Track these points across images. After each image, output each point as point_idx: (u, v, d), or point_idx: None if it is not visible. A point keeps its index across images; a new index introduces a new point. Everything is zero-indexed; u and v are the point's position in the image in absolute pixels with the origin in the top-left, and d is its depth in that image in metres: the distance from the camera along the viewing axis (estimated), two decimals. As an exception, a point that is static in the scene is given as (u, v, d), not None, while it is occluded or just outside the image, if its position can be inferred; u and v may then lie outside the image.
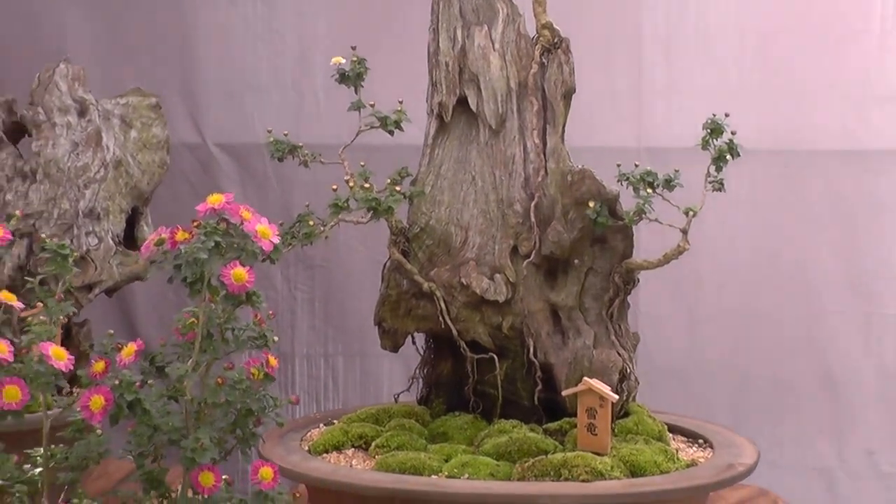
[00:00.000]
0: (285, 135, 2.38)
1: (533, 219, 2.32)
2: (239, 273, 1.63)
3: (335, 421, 2.49)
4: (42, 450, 1.71)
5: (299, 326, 3.34)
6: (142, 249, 1.63)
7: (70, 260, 1.68)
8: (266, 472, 1.64)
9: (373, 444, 2.32)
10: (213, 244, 1.58)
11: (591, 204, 2.25)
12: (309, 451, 2.31)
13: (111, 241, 2.65)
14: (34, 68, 2.78)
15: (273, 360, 1.66)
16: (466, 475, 2.16)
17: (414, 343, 2.47)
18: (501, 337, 2.35)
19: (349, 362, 3.35)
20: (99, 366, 1.59)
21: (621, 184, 2.31)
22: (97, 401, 1.56)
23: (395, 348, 2.44)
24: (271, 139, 2.38)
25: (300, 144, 2.39)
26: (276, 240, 1.61)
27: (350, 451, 2.32)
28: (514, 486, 2.11)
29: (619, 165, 2.31)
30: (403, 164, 2.39)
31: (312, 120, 3.23)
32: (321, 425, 2.48)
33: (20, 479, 1.70)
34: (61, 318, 1.70)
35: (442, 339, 2.43)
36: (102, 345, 1.68)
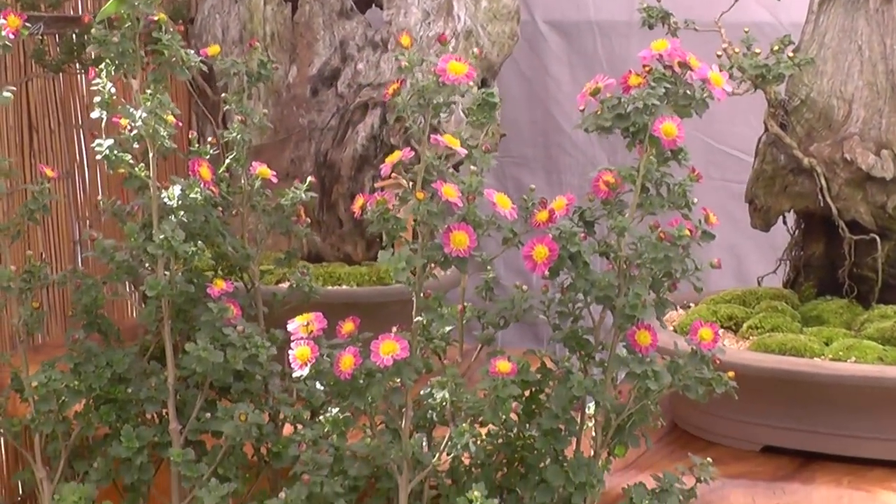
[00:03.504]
0: (658, 1, 2.28)
1: (927, 90, 2.18)
2: (669, 127, 1.55)
3: (691, 304, 2.41)
4: (458, 306, 1.67)
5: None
6: (578, 98, 1.55)
7: (497, 111, 1.62)
8: (706, 332, 1.56)
9: (744, 325, 2.23)
10: (662, 91, 1.49)
11: None
12: (675, 331, 2.24)
13: (461, 114, 2.60)
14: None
15: (713, 218, 1.58)
16: (853, 359, 2.06)
17: (785, 223, 2.36)
18: (885, 217, 2.22)
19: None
20: (543, 215, 1.53)
21: None
22: (541, 251, 1.50)
23: (766, 227, 2.33)
24: (643, 6, 2.27)
25: (671, 12, 2.28)
26: (730, 88, 1.52)
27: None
28: (909, 372, 2.00)
29: None
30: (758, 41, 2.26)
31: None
32: (677, 307, 2.39)
33: (431, 336, 1.67)
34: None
35: (814, 220, 2.31)
36: (524, 199, 1.62)
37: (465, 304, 1.69)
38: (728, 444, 2.15)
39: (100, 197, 1.82)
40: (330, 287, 2.41)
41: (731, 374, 1.64)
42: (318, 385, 1.58)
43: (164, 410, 1.79)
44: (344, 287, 2.43)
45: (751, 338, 2.19)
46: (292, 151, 2.61)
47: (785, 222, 2.36)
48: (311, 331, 1.54)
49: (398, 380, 1.52)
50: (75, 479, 1.81)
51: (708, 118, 2.85)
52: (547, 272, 1.53)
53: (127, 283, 1.87)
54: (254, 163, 1.85)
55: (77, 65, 2.63)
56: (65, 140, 2.95)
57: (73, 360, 1.76)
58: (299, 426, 1.79)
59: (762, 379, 2.04)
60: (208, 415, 1.76)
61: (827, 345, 2.13)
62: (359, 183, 2.56)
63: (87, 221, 3.08)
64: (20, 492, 2.86)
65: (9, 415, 1.86)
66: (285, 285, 2.21)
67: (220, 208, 1.83)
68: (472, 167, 1.56)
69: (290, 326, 1.55)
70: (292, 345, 1.54)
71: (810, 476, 2.09)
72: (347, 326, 1.54)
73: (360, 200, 1.54)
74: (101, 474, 1.78)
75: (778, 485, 2.06)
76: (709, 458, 1.74)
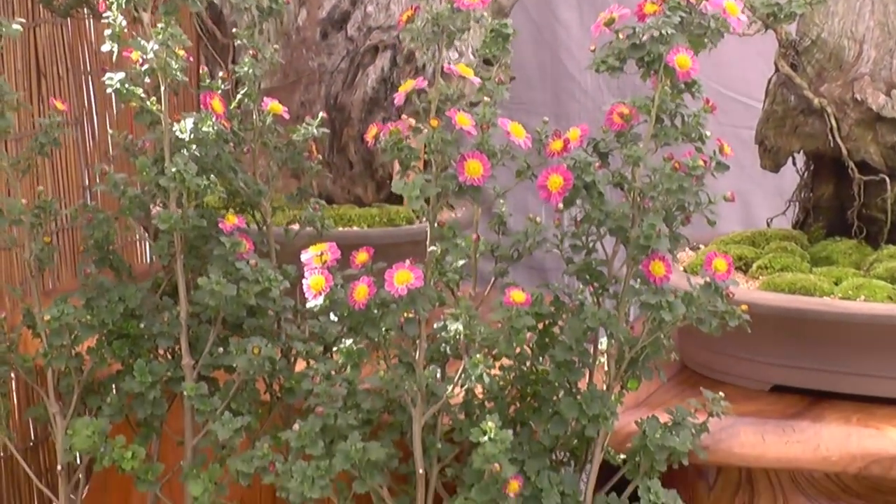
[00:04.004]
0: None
1: (939, 30, 2.17)
2: (683, 59, 1.55)
3: (700, 245, 2.41)
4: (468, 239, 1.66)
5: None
6: (592, 29, 1.55)
7: (510, 44, 1.61)
8: (720, 263, 1.56)
9: (754, 265, 2.23)
10: (678, 20, 1.49)
11: None
12: (685, 270, 2.24)
13: (472, 56, 2.59)
14: None
15: (727, 148, 1.58)
16: (863, 298, 2.06)
17: (794, 164, 2.35)
18: (894, 157, 2.22)
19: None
20: (557, 144, 1.52)
21: None
22: (556, 180, 1.50)
23: (775, 168, 2.33)
24: (654, -54, 2.26)
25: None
26: (745, 18, 1.51)
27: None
28: (920, 311, 2.00)
29: None
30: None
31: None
32: (686, 249, 2.39)
33: (444, 270, 1.66)
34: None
35: (824, 161, 2.31)
36: (537, 132, 1.62)
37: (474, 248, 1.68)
38: (738, 384, 2.15)
39: (111, 131, 1.80)
40: (341, 228, 2.41)
41: (744, 307, 1.64)
42: (332, 316, 1.58)
43: (177, 346, 1.79)
44: (355, 228, 2.43)
45: (760, 277, 2.19)
46: (302, 94, 2.60)
47: (794, 163, 2.35)
48: (325, 260, 1.54)
49: (413, 310, 1.52)
50: (88, 415, 1.81)
51: (716, 64, 2.86)
52: (561, 202, 1.53)
53: (139, 226, 1.86)
54: (265, 99, 1.84)
55: (85, 9, 2.62)
56: (73, 86, 2.94)
57: (85, 295, 1.76)
58: (312, 362, 1.79)
59: (772, 318, 2.04)
60: (221, 350, 1.76)
61: (836, 284, 2.13)
62: (369, 125, 2.54)
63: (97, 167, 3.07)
64: (31, 435, 2.88)
65: (20, 352, 1.86)
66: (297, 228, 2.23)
67: (232, 144, 1.82)
68: (485, 98, 1.56)
69: (304, 256, 1.55)
70: (306, 274, 1.54)
71: (819, 414, 2.09)
72: (361, 256, 1.54)
73: (373, 130, 1.53)
74: (113, 409, 1.78)
75: (787, 423, 2.07)
76: (721, 393, 1.75)
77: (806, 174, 2.36)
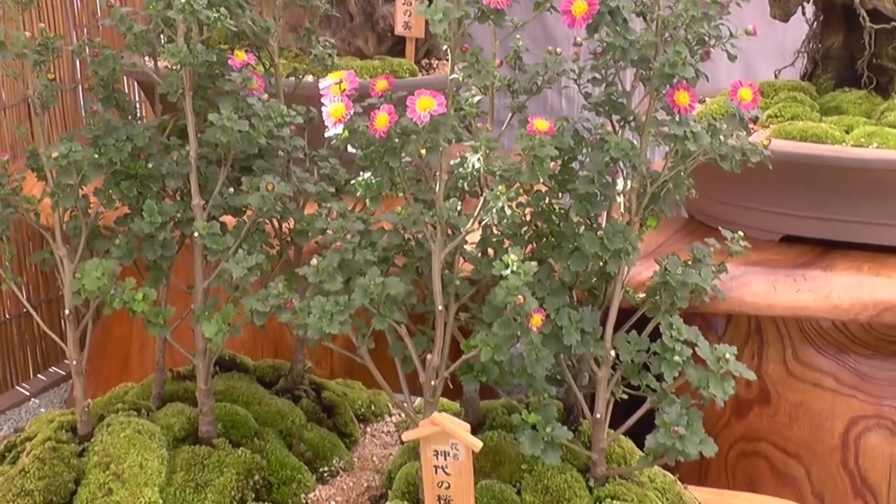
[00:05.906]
0: None
1: None
2: None
3: (706, 98, 2.38)
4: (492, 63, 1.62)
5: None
6: None
7: None
8: (746, 92, 1.53)
9: (764, 114, 2.21)
10: None
11: None
12: (695, 121, 2.21)
13: None
14: None
15: (754, -26, 1.53)
16: (874, 145, 2.04)
17: (804, 14, 2.32)
18: (908, 5, 2.19)
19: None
20: (579, -31, 1.48)
21: None
22: (580, 5, 1.46)
23: (785, 17, 2.30)
24: None
25: None
26: None
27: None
28: (934, 155, 1.99)
29: None
30: None
31: None
32: (708, 79, 2.36)
33: (460, 106, 1.63)
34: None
35: (834, 10, 2.28)
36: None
37: (495, 74, 1.64)
38: (747, 234, 2.13)
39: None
40: (342, 81, 2.36)
41: (765, 142, 1.61)
42: (350, 148, 1.54)
43: (186, 187, 1.75)
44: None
45: (771, 126, 2.17)
46: (299, -56, 2.53)
47: (804, 13, 2.32)
48: (344, 88, 1.49)
49: (434, 139, 1.48)
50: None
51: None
52: (584, 28, 1.49)
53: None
54: (271, -69, 1.79)
55: None
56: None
57: (91, 133, 1.71)
58: (323, 204, 1.75)
59: (784, 166, 2.01)
60: (231, 191, 1.72)
61: (847, 133, 2.11)
62: (369, -24, 2.49)
63: (86, 29, 3.01)
64: (24, 299, 2.85)
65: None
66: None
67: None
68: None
69: (322, 84, 1.51)
70: (324, 103, 1.50)
71: (830, 263, 2.09)
72: (381, 84, 1.50)
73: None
74: (122, 252, 1.73)
75: (798, 272, 2.06)
76: (740, 233, 1.72)
77: (815, 24, 2.33)
